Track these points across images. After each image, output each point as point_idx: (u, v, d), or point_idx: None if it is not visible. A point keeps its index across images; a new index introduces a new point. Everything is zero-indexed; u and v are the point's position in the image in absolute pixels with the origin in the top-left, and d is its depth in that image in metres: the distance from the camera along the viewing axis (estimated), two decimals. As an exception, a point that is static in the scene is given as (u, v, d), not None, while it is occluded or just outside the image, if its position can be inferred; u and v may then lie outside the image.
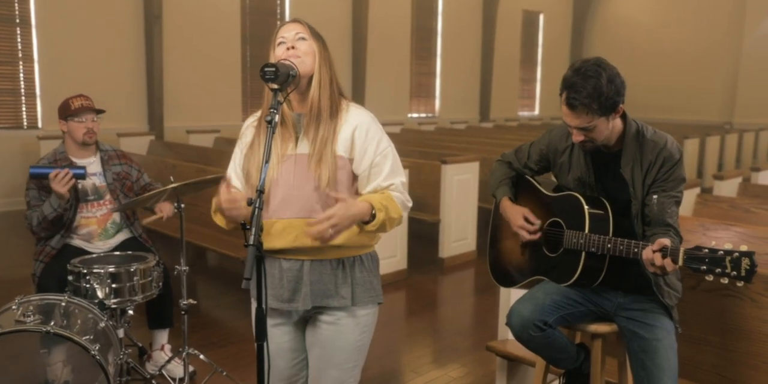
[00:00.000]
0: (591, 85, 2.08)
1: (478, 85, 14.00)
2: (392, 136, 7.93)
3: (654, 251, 1.97)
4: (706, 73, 14.68)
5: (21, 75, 8.07)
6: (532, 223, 2.40)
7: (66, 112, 3.35)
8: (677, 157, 2.24)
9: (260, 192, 1.75)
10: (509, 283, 2.61)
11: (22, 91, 8.10)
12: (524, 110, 15.64)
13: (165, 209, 3.35)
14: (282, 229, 1.92)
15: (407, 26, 12.39)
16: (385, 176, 1.97)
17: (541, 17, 15.74)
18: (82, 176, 3.15)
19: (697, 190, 4.37)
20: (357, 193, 2.00)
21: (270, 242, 1.91)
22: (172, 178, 3.12)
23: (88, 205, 3.35)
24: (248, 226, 1.73)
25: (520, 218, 2.43)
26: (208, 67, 9.40)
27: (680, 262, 1.93)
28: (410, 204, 2.06)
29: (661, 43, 15.27)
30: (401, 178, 2.03)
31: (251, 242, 1.69)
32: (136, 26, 8.75)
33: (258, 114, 2.05)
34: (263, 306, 1.77)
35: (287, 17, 10.42)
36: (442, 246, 5.68)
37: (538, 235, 2.40)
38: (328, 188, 1.87)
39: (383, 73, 11.84)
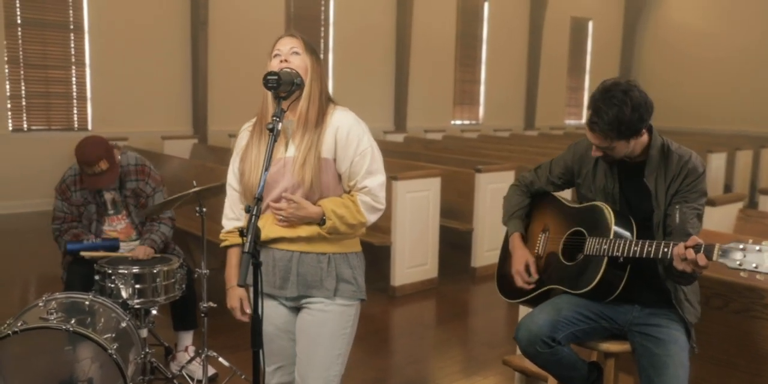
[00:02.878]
0: (613, 113, 2.11)
1: (524, 92, 13.86)
2: (433, 143, 7.96)
3: (687, 247, 1.96)
4: (763, 83, 14.19)
5: (73, 79, 8.33)
6: (530, 274, 2.44)
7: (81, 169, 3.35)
8: (701, 171, 2.25)
9: (258, 200, 1.77)
10: (517, 295, 2.56)
11: (74, 94, 8.36)
12: (571, 118, 15.41)
13: (139, 253, 3.28)
14: (273, 221, 2.09)
15: (452, 33, 12.35)
16: (362, 176, 2.10)
17: (591, 24, 15.49)
18: (115, 249, 3.33)
19: (739, 205, 4.22)
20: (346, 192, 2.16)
21: (265, 233, 2.03)
22: (194, 182, 3.16)
23: (109, 219, 3.45)
24: (246, 233, 1.75)
25: (522, 264, 2.47)
26: (252, 71, 9.48)
27: (715, 257, 1.91)
28: (382, 206, 2.17)
29: (717, 51, 14.82)
30: (379, 179, 2.13)
31: (247, 250, 1.71)
32: (182, 32, 8.95)
33: (254, 120, 2.18)
34: (258, 312, 1.79)
35: (331, 24, 10.51)
36: (475, 255, 5.63)
37: (531, 286, 2.44)
38: (311, 188, 2.04)
39: (426, 79, 11.83)
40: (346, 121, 2.09)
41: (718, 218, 4.00)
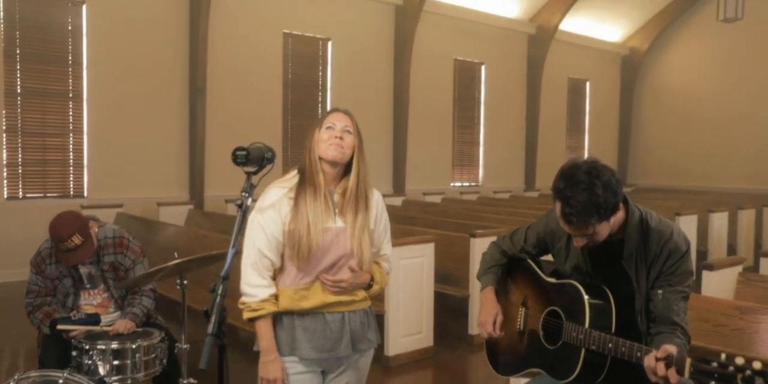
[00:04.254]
0: (585, 198, 1.95)
1: (523, 153, 13.92)
2: (431, 207, 7.90)
3: (658, 359, 1.80)
4: (762, 140, 14.25)
5: (71, 146, 8.38)
6: (495, 330, 2.39)
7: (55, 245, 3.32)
8: (684, 250, 2.09)
9: (224, 278, 1.70)
10: (509, 371, 2.45)
11: (71, 161, 8.38)
12: (571, 178, 15.39)
13: (120, 327, 3.20)
14: (322, 288, 2.22)
15: (449, 95, 12.50)
16: (384, 244, 2.41)
17: (588, 85, 15.71)
18: (96, 323, 3.28)
19: (739, 268, 4.12)
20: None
21: (320, 299, 2.20)
22: (176, 253, 3.09)
23: (85, 293, 3.38)
24: (210, 313, 1.67)
25: (490, 317, 2.39)
26: (250, 136, 9.57)
27: (686, 375, 1.74)
28: (392, 271, 2.51)
29: (713, 111, 14.97)
30: (391, 246, 2.47)
31: (210, 331, 1.63)
32: (181, 98, 9.05)
33: (286, 185, 2.23)
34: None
35: (329, 89, 10.64)
36: (472, 322, 5.48)
37: (497, 335, 2.39)
38: (362, 257, 2.25)
39: (425, 141, 11.90)
40: (379, 198, 2.40)
41: (717, 282, 3.89)
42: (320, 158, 2.20)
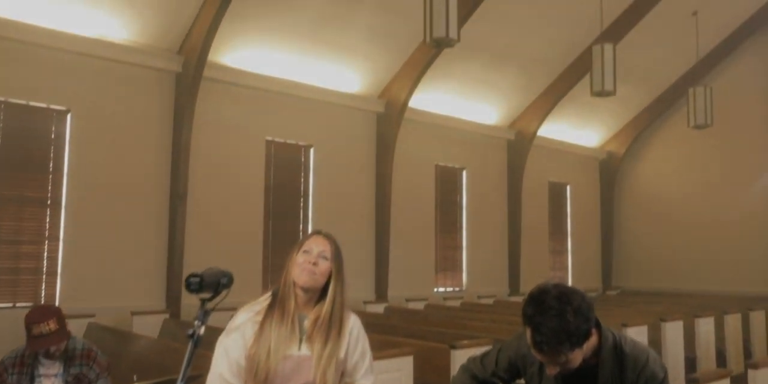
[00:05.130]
0: (556, 325, 1.90)
1: (506, 257, 13.86)
2: (414, 314, 7.73)
3: None
4: (744, 242, 14.34)
5: (45, 254, 8.23)
6: None
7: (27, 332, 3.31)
8: (661, 376, 2.02)
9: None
10: None
11: (44, 269, 8.20)
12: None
13: None
14: None
15: (431, 200, 12.59)
16: (364, 373, 2.29)
17: (568, 188, 15.93)
18: None
19: (726, 381, 3.98)
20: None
21: None
22: (135, 377, 2.95)
23: None
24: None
25: None
26: (230, 243, 9.52)
27: None
28: None
29: (691, 214, 15.17)
30: (373, 378, 2.34)
31: None
32: (161, 205, 9.01)
33: (256, 308, 2.20)
34: None
35: (311, 195, 10.69)
36: (455, 440, 5.18)
37: None
38: None
39: (407, 246, 11.84)
40: (357, 324, 2.30)
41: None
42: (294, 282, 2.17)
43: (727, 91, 14.26)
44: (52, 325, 3.21)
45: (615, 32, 12.06)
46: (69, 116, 8.40)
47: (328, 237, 2.30)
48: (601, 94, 9.28)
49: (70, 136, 8.39)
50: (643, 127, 16.11)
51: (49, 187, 8.30)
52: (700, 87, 11.66)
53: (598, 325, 2.05)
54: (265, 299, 2.22)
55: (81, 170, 8.39)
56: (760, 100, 14.52)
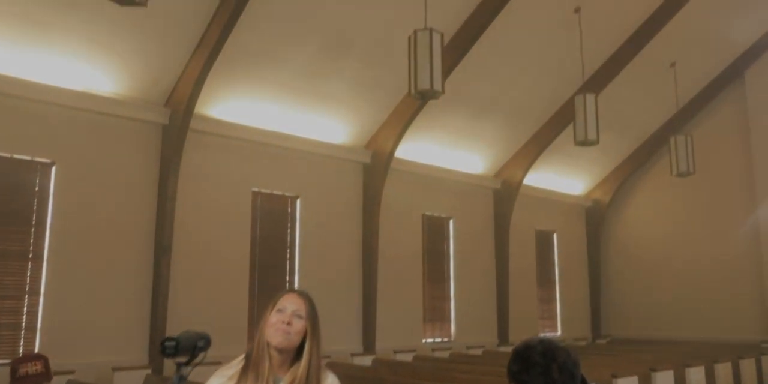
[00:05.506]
0: (542, 383, 1.90)
1: (494, 307, 13.74)
2: (402, 366, 7.64)
3: None
4: (731, 289, 14.34)
5: (25, 309, 8.06)
6: None
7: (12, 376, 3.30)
8: None
9: None
10: None
11: (23, 324, 8.02)
12: (546, 331, 15.13)
13: None
14: None
15: (418, 249, 12.54)
16: None
17: (555, 236, 15.94)
18: None
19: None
20: None
21: None
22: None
23: None
24: None
25: None
26: (215, 295, 9.40)
27: None
28: None
29: (678, 261, 15.21)
30: None
31: None
32: (145, 257, 8.91)
33: (228, 373, 2.14)
34: None
35: (297, 246, 10.62)
36: None
37: None
38: None
39: (395, 297, 11.73)
40: (334, 382, 2.19)
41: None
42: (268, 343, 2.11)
43: (708, 139, 14.52)
44: (39, 367, 3.23)
45: (596, 83, 12.30)
46: (54, 169, 8.36)
47: (302, 295, 2.25)
48: (585, 143, 9.40)
49: (54, 189, 8.33)
50: (627, 175, 16.27)
51: (32, 241, 8.19)
52: (681, 135, 11.86)
53: (584, 382, 2.02)
54: (238, 362, 2.15)
55: (64, 223, 8.30)
56: (739, 148, 14.76)
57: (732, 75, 14.70)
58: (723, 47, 14.02)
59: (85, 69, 8.46)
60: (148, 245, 8.97)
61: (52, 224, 8.24)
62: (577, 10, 11.02)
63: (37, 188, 8.29)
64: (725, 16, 12.99)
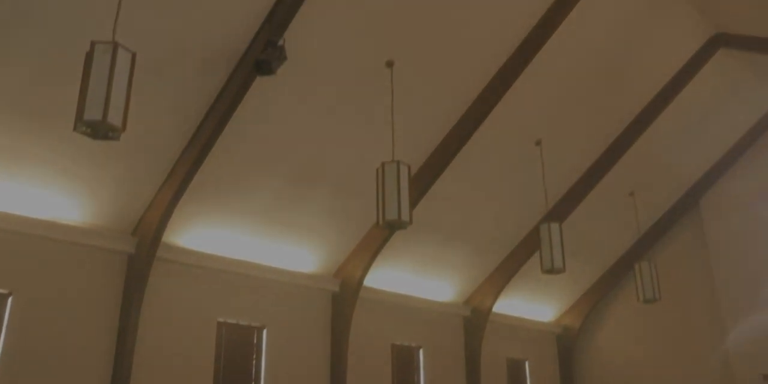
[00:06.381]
0: None
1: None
2: None
3: None
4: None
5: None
6: None
7: None
8: None
9: None
10: None
11: None
12: None
13: None
14: None
15: (388, 380, 12.14)
16: None
17: (527, 364, 15.60)
18: None
19: None
20: None
21: None
22: None
23: None
24: None
25: None
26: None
27: None
28: None
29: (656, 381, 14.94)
30: None
31: None
32: (104, 365, 8.49)
33: None
34: None
35: (262, 378, 10.22)
36: None
37: None
38: None
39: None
40: None
41: None
42: None
43: (671, 264, 14.80)
44: None
45: (560, 211, 12.63)
46: (10, 300, 8.07)
47: None
48: (552, 271, 9.50)
49: (8, 321, 7.97)
50: (595, 301, 16.26)
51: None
52: (645, 261, 12.08)
53: None
54: None
55: (17, 357, 7.86)
56: (701, 273, 15.00)
57: (688, 203, 15.23)
58: (677, 176, 14.65)
59: (52, 197, 8.36)
60: (105, 380, 8.53)
61: (2, 358, 7.76)
62: (538, 143, 11.52)
63: (-8, 319, 7.96)
64: (678, 146, 13.68)
